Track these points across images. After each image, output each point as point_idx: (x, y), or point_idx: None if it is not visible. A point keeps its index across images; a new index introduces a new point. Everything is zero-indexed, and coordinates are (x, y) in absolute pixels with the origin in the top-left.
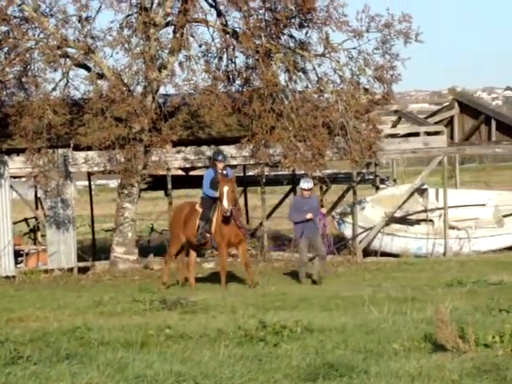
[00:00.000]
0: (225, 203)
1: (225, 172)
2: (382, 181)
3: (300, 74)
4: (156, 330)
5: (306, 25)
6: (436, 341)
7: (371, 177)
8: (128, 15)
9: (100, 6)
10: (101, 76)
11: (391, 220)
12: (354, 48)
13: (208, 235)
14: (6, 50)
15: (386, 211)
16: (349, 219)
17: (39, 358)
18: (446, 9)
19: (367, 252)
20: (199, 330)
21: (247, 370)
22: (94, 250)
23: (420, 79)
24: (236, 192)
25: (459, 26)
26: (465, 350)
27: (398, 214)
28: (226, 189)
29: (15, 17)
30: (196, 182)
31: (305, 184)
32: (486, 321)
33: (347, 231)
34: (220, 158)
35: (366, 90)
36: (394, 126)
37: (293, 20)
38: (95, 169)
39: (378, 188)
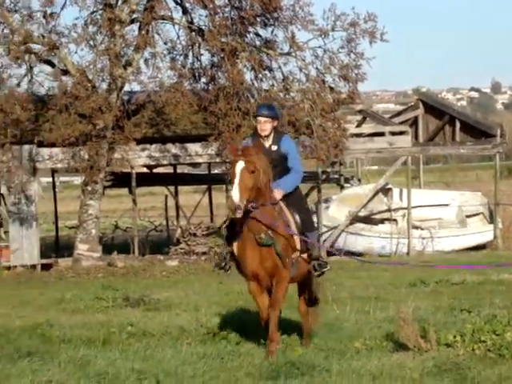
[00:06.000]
0: (234, 193)
1: (266, 141)
2: (347, 180)
3: (266, 72)
4: (118, 327)
5: (271, 23)
6: (398, 340)
7: (336, 176)
8: (93, 12)
9: (65, 2)
10: (65, 72)
11: (355, 219)
12: (319, 47)
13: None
14: None
15: (351, 210)
16: (313, 218)
17: (0, 355)
18: (412, 9)
19: (331, 251)
20: (161, 327)
21: (209, 369)
22: (57, 247)
23: (386, 79)
24: (269, 174)
25: (425, 26)
26: (426, 350)
27: (362, 214)
28: (238, 166)
29: None
30: (160, 180)
31: None
32: (447, 320)
33: None
34: (264, 111)
35: (332, 89)
36: (358, 125)
37: (258, 18)
38: (59, 165)
39: (342, 187)
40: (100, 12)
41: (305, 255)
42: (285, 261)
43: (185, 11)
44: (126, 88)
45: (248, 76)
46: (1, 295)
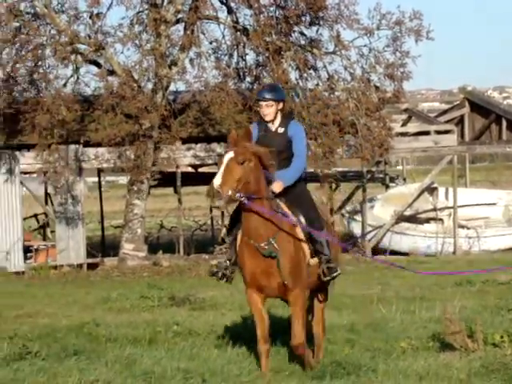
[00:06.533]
0: (216, 179)
1: (273, 125)
2: (392, 179)
3: (311, 71)
4: (164, 326)
5: (316, 22)
6: (444, 340)
7: (381, 175)
8: (139, 12)
9: (111, 2)
10: (111, 72)
11: (401, 218)
12: (364, 45)
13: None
14: (17, 45)
15: (396, 210)
16: (358, 217)
17: (47, 354)
18: (457, 7)
19: (376, 250)
20: (207, 327)
21: (255, 368)
22: (103, 247)
23: (431, 78)
24: (264, 168)
25: (470, 24)
26: (473, 350)
27: (407, 213)
28: (227, 156)
29: (27, 13)
30: (205, 179)
31: None
32: (494, 320)
33: (356, 229)
34: (265, 94)
35: (377, 88)
36: (404, 124)
37: (303, 18)
38: (105, 165)
39: (387, 186)
40: (146, 12)
41: (314, 260)
42: (294, 277)
43: (230, 11)
44: (172, 88)
45: (293, 75)
46: (47, 294)
